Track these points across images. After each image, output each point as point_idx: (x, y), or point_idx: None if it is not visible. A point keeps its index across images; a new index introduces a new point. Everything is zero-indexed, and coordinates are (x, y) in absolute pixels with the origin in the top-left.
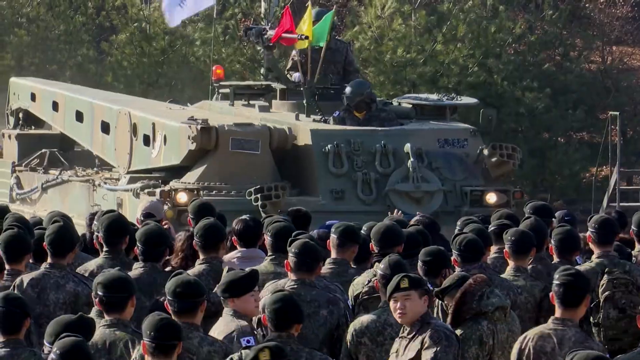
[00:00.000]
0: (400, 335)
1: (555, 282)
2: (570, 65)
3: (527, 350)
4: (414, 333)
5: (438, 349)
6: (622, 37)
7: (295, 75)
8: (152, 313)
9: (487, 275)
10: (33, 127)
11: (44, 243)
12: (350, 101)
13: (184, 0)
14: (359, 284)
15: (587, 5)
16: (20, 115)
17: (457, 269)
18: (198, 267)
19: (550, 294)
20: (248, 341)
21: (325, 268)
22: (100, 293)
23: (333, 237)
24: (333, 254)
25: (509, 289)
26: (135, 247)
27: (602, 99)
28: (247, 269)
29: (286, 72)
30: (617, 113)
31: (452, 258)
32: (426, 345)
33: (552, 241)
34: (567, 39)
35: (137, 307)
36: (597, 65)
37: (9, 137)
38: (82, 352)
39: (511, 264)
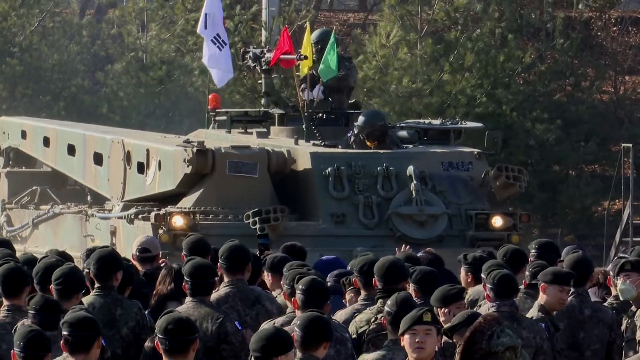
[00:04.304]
0: None
1: None
2: (582, 95)
3: None
4: None
5: None
6: (635, 67)
7: (313, 92)
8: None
9: (518, 313)
10: (23, 167)
11: (50, 286)
12: (361, 130)
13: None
14: (362, 321)
15: (599, 33)
16: (11, 154)
17: (489, 304)
18: (224, 289)
19: None
20: None
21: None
22: (65, 332)
23: None
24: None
25: (537, 333)
26: (184, 283)
27: (615, 130)
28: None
29: (300, 90)
30: (630, 145)
31: (485, 294)
32: None
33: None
34: (578, 68)
35: None
36: (610, 95)
37: None
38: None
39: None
